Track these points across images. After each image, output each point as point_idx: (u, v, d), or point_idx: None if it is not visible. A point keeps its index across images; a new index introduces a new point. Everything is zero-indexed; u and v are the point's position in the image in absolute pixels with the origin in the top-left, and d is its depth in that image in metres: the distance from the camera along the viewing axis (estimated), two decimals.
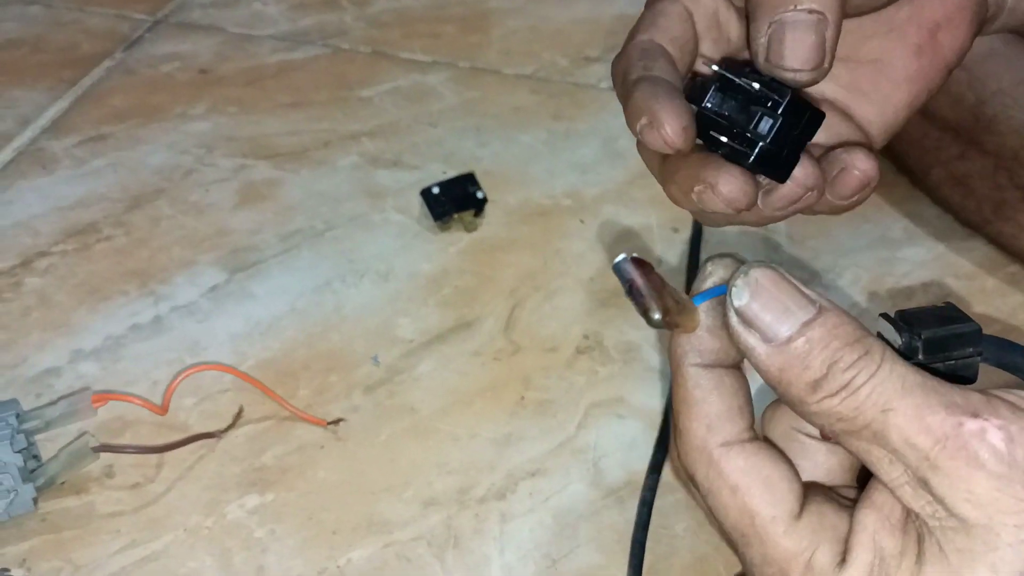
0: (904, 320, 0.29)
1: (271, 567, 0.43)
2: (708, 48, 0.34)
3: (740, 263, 0.27)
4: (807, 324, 0.25)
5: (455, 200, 0.62)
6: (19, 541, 0.43)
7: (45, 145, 0.68)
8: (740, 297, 0.25)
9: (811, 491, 0.27)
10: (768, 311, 0.25)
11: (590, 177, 0.66)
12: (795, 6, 0.29)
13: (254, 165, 0.67)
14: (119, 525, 0.44)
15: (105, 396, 0.47)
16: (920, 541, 0.25)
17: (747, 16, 0.31)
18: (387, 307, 0.56)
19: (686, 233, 0.61)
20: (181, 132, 0.70)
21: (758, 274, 0.26)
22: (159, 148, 0.68)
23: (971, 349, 0.29)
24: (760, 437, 0.28)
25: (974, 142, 0.58)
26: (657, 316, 0.25)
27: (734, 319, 0.26)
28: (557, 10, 0.87)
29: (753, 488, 0.26)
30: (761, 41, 0.30)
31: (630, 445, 0.49)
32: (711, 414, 0.27)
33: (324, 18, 0.85)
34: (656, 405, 0.50)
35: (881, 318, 0.29)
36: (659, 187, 0.65)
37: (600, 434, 0.49)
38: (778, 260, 0.61)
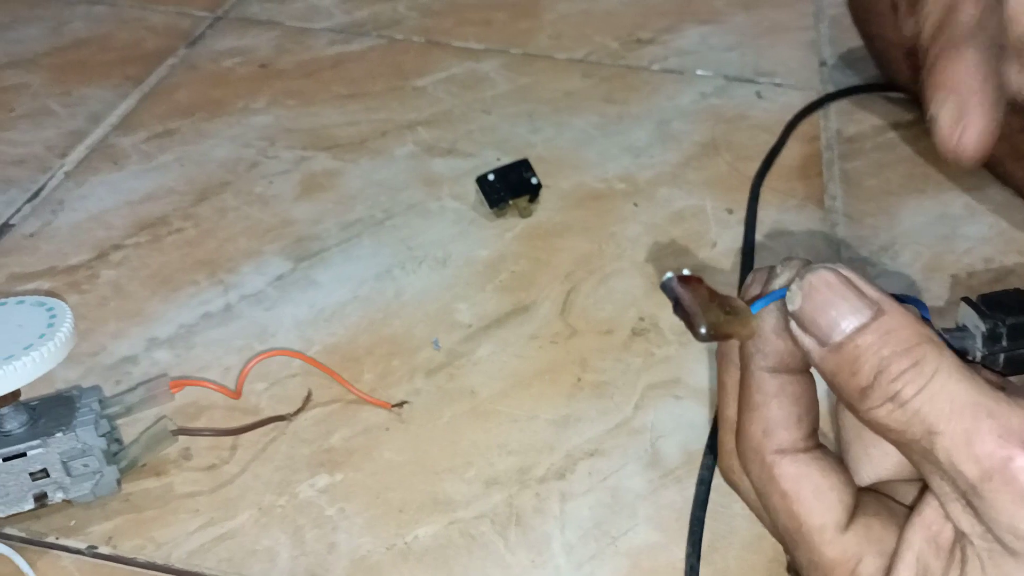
0: (986, 305, 0.29)
1: (342, 543, 0.44)
2: None
3: (807, 264, 0.27)
4: (860, 329, 0.25)
5: (510, 186, 0.63)
6: (104, 520, 0.46)
7: (115, 141, 0.70)
8: (794, 301, 0.26)
9: (863, 502, 0.28)
10: (821, 315, 0.25)
11: (643, 160, 0.67)
12: None
13: (314, 156, 0.69)
14: (197, 504, 0.46)
15: (182, 382, 0.49)
16: (964, 561, 0.25)
17: None
18: (446, 293, 0.58)
19: (741, 214, 0.61)
20: (244, 125, 0.72)
21: (813, 277, 0.26)
22: (223, 142, 0.70)
23: None
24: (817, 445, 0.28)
25: None
26: (703, 331, 0.25)
27: (792, 322, 0.26)
28: None
29: (802, 496, 0.27)
30: None
31: (687, 425, 0.50)
32: (769, 419, 0.28)
33: (378, 9, 0.86)
34: (713, 386, 0.51)
35: (963, 303, 0.29)
36: (712, 168, 0.66)
37: (657, 415, 0.50)
38: (837, 238, 0.61)
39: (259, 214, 0.64)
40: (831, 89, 0.75)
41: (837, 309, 0.25)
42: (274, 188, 0.66)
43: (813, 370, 0.28)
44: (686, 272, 0.26)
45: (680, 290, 0.26)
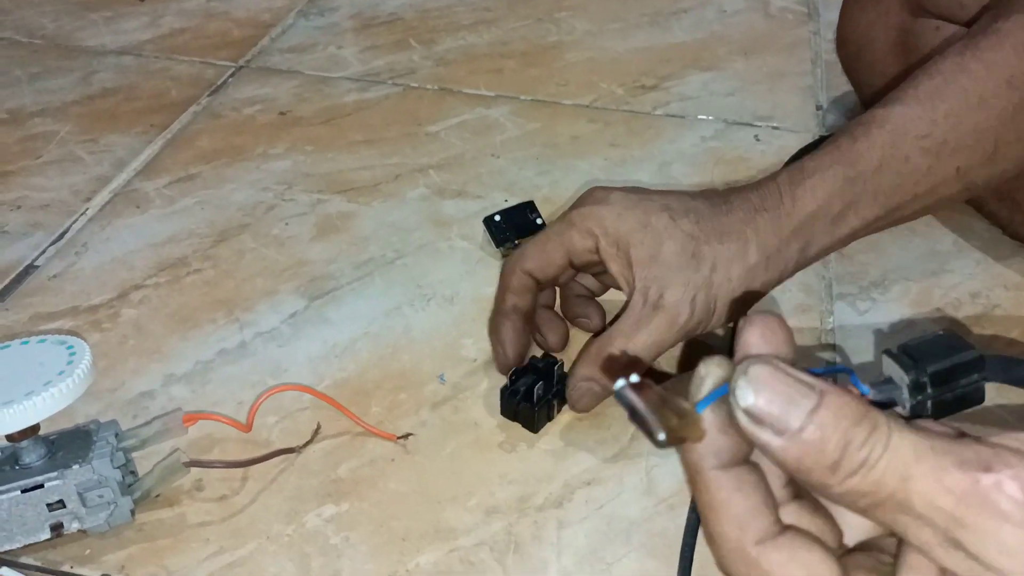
0: (908, 355, 0.30)
1: (345, 571, 0.46)
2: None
3: (730, 362, 0.27)
4: (813, 411, 0.25)
5: (516, 227, 0.65)
6: (118, 549, 0.48)
7: (139, 186, 0.73)
8: (745, 397, 0.26)
9: (852, 565, 0.28)
10: (774, 405, 0.25)
11: None
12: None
13: (330, 199, 0.71)
14: (208, 534, 0.48)
15: (195, 416, 0.51)
16: None
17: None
18: (453, 329, 0.60)
19: None
20: (263, 171, 0.75)
21: (757, 371, 0.26)
22: (243, 186, 0.73)
23: (976, 375, 0.30)
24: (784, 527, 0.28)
25: None
26: (662, 438, 0.25)
27: (743, 418, 0.26)
28: (615, 41, 0.91)
29: None
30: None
31: None
32: (740, 514, 0.27)
33: (395, 58, 0.90)
34: None
35: (885, 355, 0.30)
36: None
37: (652, 445, 0.52)
38: (828, 276, 0.63)
39: (275, 255, 0.66)
40: (826, 132, 0.77)
41: (788, 398, 0.25)
42: (290, 230, 0.69)
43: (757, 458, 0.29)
44: (635, 379, 0.26)
45: (634, 399, 0.25)
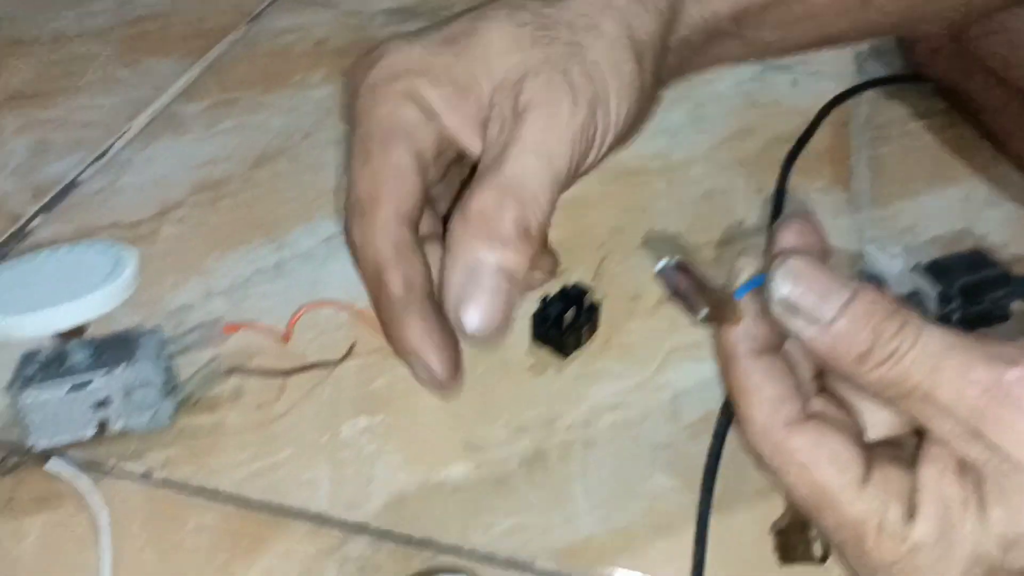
0: (937, 270, 0.31)
1: (378, 477, 0.48)
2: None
3: (765, 257, 0.29)
4: (847, 304, 0.27)
5: None
6: (160, 449, 0.49)
7: (178, 110, 0.74)
8: (781, 287, 0.27)
9: (875, 454, 0.29)
10: (809, 296, 0.27)
11: (678, 140, 0.70)
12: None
13: None
14: (246, 439, 0.50)
15: (236, 325, 0.53)
16: (979, 486, 0.26)
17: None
18: None
19: (769, 194, 0.64)
20: (300, 98, 0.76)
21: (794, 263, 0.27)
22: (280, 112, 0.74)
23: (1003, 291, 0.31)
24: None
25: None
26: (703, 314, 0.27)
27: (778, 308, 0.27)
28: None
29: (820, 462, 0.28)
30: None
31: (706, 385, 0.52)
32: (771, 398, 0.29)
33: None
34: None
35: (913, 271, 0.31)
36: (745, 150, 0.68)
37: (678, 375, 0.53)
38: (861, 219, 0.63)
39: (312, 179, 0.67)
40: (864, 78, 0.77)
41: (822, 290, 0.27)
42: (327, 156, 0.70)
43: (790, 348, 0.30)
44: (676, 260, 0.27)
45: (678, 277, 0.27)
